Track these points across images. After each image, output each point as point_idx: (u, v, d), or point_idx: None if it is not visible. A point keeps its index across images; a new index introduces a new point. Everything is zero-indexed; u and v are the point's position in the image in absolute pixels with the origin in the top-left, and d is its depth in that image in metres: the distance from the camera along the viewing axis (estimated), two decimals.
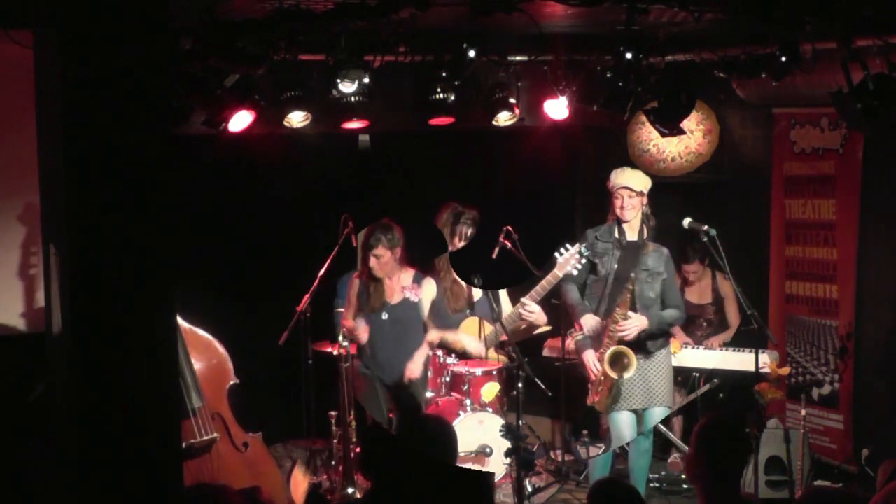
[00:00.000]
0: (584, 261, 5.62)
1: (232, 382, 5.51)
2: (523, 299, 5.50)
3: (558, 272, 5.54)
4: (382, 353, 6.05)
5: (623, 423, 5.94)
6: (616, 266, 5.92)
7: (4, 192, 5.54)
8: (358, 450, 6.65)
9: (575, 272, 5.63)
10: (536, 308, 5.50)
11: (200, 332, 5.44)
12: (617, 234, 5.96)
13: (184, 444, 5.17)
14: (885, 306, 6.61)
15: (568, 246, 5.60)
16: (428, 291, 5.57)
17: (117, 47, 3.13)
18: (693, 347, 6.96)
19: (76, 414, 3.21)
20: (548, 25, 5.40)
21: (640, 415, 6.04)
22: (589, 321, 5.86)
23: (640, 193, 5.90)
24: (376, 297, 5.84)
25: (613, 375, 5.76)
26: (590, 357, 5.86)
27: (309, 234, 7.21)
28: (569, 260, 5.56)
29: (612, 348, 5.78)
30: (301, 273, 6.67)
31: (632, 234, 5.97)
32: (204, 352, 5.41)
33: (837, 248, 6.86)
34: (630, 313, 5.80)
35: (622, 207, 5.90)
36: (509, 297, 5.78)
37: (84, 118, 3.12)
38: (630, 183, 5.88)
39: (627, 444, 6.45)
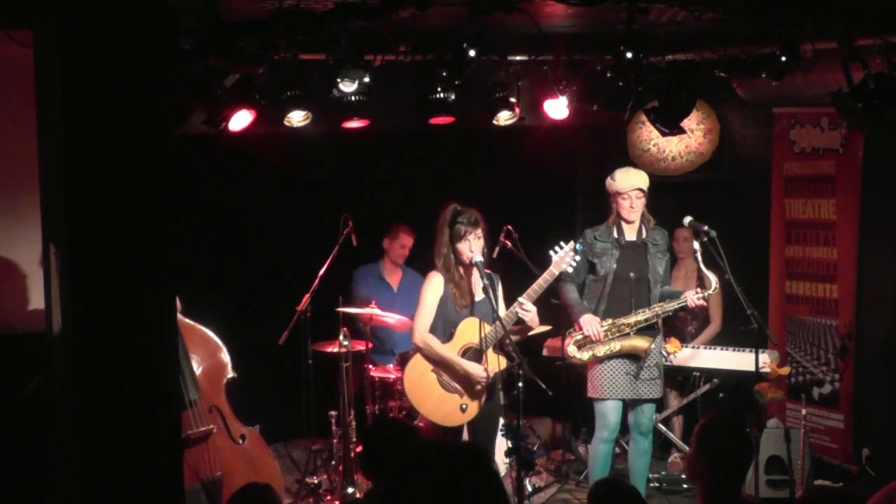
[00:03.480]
0: (578, 258, 5.61)
1: (229, 376, 5.52)
2: (520, 298, 5.48)
3: (554, 270, 5.53)
4: None
5: (609, 409, 5.94)
6: (615, 266, 5.93)
7: (4, 191, 5.54)
8: (359, 449, 6.66)
9: (570, 269, 5.62)
10: (533, 308, 5.50)
11: (197, 325, 5.46)
12: (616, 234, 5.97)
13: (183, 435, 5.20)
14: (885, 306, 6.61)
15: (562, 244, 5.59)
16: (435, 288, 5.55)
17: (117, 47, 3.13)
18: (693, 347, 6.96)
19: (76, 412, 3.21)
20: (548, 25, 5.40)
21: (628, 407, 6.05)
22: (588, 321, 5.86)
23: (646, 193, 5.92)
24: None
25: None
26: (592, 321, 5.87)
27: (309, 233, 7.21)
28: (563, 258, 5.55)
29: (628, 341, 5.88)
30: (301, 273, 6.67)
31: (631, 234, 5.97)
32: (202, 345, 5.43)
33: (837, 248, 6.86)
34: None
35: (632, 208, 5.90)
36: (504, 298, 5.78)
37: (84, 118, 3.12)
38: (641, 183, 5.88)
39: (627, 442, 6.45)
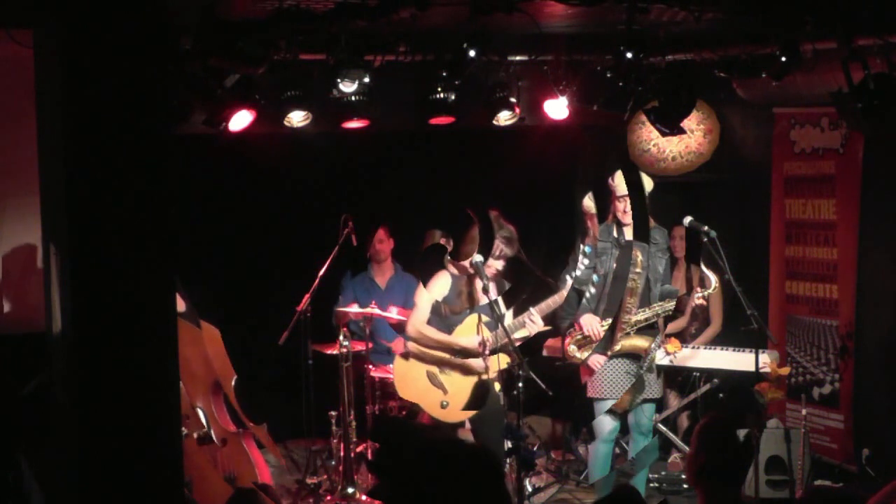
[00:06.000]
0: (586, 261, 5.66)
1: (236, 377, 5.55)
2: (532, 308, 5.56)
3: (565, 292, 5.62)
4: None
5: (606, 419, 5.95)
6: (615, 265, 5.93)
7: (4, 191, 5.54)
8: (359, 449, 6.66)
9: (578, 273, 5.67)
10: (540, 322, 5.57)
11: (209, 325, 5.49)
12: (615, 234, 5.97)
13: (200, 433, 5.24)
14: (885, 306, 6.60)
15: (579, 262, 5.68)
16: (441, 287, 5.59)
17: (118, 47, 3.13)
18: (693, 347, 6.96)
19: (76, 411, 3.21)
20: (548, 25, 5.40)
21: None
22: (588, 320, 5.87)
23: (647, 197, 5.90)
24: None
25: (643, 367, 5.82)
26: (592, 321, 5.85)
27: (309, 234, 7.21)
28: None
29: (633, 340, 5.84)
30: (301, 273, 6.67)
31: (630, 234, 5.97)
32: (214, 345, 5.45)
33: (837, 248, 6.86)
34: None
35: (625, 212, 5.91)
36: (504, 299, 5.81)
37: (84, 118, 3.12)
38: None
39: (626, 442, 6.45)
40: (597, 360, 5.87)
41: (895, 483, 3.57)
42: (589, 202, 5.96)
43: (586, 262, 5.63)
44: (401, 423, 5.01)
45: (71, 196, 3.14)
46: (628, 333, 5.89)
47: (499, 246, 5.49)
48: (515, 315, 5.74)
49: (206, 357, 5.46)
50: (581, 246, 5.64)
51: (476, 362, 5.59)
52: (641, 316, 5.88)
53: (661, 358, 6.20)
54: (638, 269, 5.79)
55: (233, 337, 5.74)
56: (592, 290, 5.91)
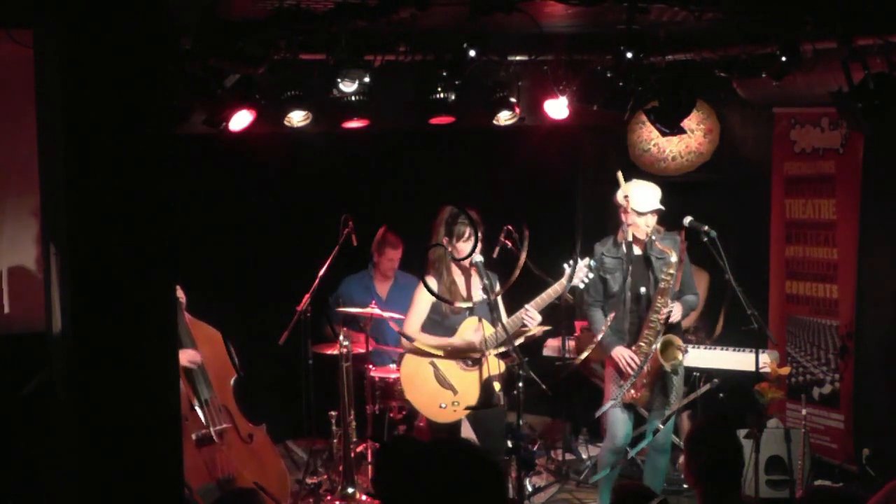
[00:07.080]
0: (591, 275, 5.64)
1: (235, 377, 5.56)
2: (527, 305, 5.53)
3: (564, 282, 5.56)
4: None
5: (620, 422, 5.93)
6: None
7: (4, 191, 5.54)
8: (359, 449, 6.66)
9: (581, 285, 5.66)
10: (538, 317, 5.55)
11: (205, 324, 5.49)
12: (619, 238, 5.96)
13: (199, 434, 5.26)
14: (885, 306, 6.60)
15: (579, 258, 5.62)
16: (427, 293, 5.57)
17: (118, 47, 3.13)
18: (693, 347, 6.96)
19: (76, 412, 3.21)
20: (548, 25, 5.40)
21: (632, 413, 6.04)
22: (620, 352, 5.85)
23: None
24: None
25: (667, 367, 5.75)
26: (623, 353, 5.80)
27: (309, 234, 7.21)
28: (577, 273, 5.60)
29: (663, 337, 5.75)
30: (301, 273, 6.67)
31: (630, 236, 5.95)
32: (208, 344, 5.46)
33: (837, 248, 6.86)
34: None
35: (648, 226, 5.76)
36: (503, 299, 5.81)
37: (84, 118, 3.12)
38: (658, 203, 5.77)
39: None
40: (621, 354, 5.79)
41: (895, 483, 3.58)
42: (624, 200, 5.89)
43: (591, 275, 5.61)
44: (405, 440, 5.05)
45: (71, 196, 3.14)
46: (658, 332, 5.79)
47: (462, 231, 5.50)
48: (510, 314, 5.74)
49: (222, 355, 5.50)
50: (588, 258, 5.64)
51: (477, 362, 5.59)
52: (653, 316, 5.85)
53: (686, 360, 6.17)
54: (671, 271, 5.73)
55: (232, 337, 5.74)
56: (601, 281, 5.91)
